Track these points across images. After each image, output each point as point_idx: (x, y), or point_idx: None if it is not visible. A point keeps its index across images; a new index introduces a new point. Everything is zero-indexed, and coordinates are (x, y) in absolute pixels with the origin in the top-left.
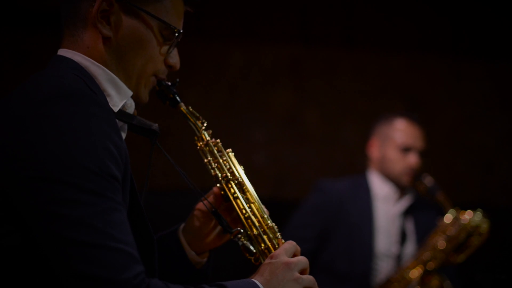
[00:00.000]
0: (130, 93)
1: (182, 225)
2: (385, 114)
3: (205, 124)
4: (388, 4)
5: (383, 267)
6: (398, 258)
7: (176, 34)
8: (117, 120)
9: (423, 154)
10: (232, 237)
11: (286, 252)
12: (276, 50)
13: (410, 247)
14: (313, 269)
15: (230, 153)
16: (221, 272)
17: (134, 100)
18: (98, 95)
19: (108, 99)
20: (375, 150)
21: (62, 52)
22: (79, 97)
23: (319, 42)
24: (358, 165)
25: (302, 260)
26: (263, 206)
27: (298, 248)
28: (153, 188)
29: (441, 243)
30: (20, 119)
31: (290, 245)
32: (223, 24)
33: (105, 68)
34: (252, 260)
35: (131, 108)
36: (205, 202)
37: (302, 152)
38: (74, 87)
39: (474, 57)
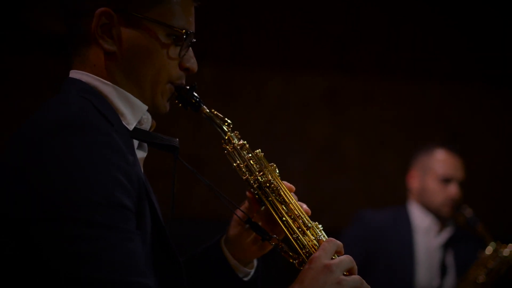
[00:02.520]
0: (145, 107)
1: (225, 236)
2: (425, 145)
3: (231, 126)
4: (426, 33)
5: None
6: None
7: (185, 36)
8: (134, 140)
9: (463, 185)
10: (272, 244)
11: (326, 254)
12: (313, 78)
13: (450, 280)
14: None
15: (259, 154)
16: (272, 280)
17: (154, 112)
18: (108, 117)
19: (121, 118)
20: (415, 181)
21: (72, 74)
22: (81, 127)
23: (356, 70)
24: (396, 195)
25: (345, 259)
26: (301, 207)
27: (340, 244)
28: (194, 216)
29: (481, 276)
30: (23, 156)
31: (330, 244)
32: (261, 52)
33: (114, 86)
34: (296, 265)
35: (147, 123)
36: (238, 212)
37: (340, 182)
38: (77, 116)
39: None
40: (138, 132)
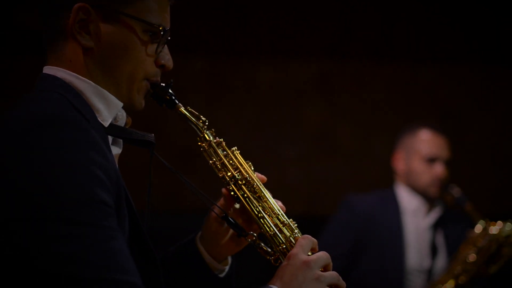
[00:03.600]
0: (120, 104)
1: (200, 233)
2: (408, 126)
3: (206, 124)
4: (416, 16)
5: (415, 283)
6: (430, 272)
7: (162, 32)
8: (109, 136)
9: (453, 164)
10: (248, 240)
11: (303, 250)
12: (304, 65)
13: (441, 261)
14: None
15: (235, 151)
16: (246, 277)
17: (129, 108)
18: (84, 113)
19: (97, 114)
20: (400, 163)
21: (47, 69)
22: (59, 123)
23: (347, 55)
24: (391, 178)
25: (322, 256)
26: (276, 204)
27: (315, 241)
28: (187, 209)
29: (471, 255)
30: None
31: (306, 240)
32: (251, 41)
33: (90, 82)
34: (272, 262)
35: (122, 119)
36: (214, 208)
37: (334, 167)
38: (54, 113)
39: (505, 66)
40: (113, 128)
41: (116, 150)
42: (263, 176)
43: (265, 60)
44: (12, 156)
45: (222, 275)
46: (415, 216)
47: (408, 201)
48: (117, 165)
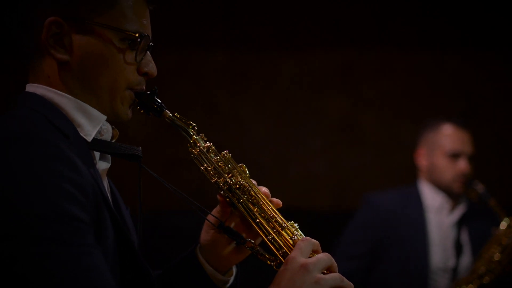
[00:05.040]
0: (104, 117)
1: (199, 244)
2: (430, 121)
3: (196, 129)
4: (440, 3)
5: (439, 282)
6: (454, 271)
7: (139, 40)
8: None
9: (477, 157)
10: (247, 247)
11: (302, 253)
12: (327, 56)
13: (466, 259)
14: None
15: (227, 155)
16: (250, 282)
17: (115, 120)
18: (63, 129)
19: (78, 129)
20: (423, 159)
21: (28, 87)
22: (26, 140)
23: (371, 45)
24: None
25: (323, 257)
26: (273, 206)
27: (316, 243)
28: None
29: (496, 254)
30: None
31: (305, 243)
32: (271, 34)
33: (69, 96)
34: (274, 267)
35: (108, 133)
36: (209, 217)
37: (361, 157)
38: (23, 130)
39: None
40: (97, 143)
41: (104, 165)
42: (265, 189)
43: (287, 51)
44: None
45: (226, 287)
46: (439, 214)
47: (431, 198)
48: (104, 180)
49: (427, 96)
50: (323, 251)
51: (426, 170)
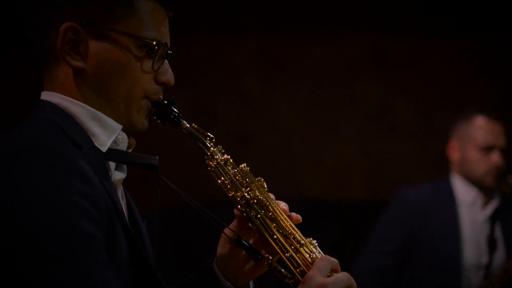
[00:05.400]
0: (119, 126)
1: (216, 258)
2: (463, 113)
3: (213, 140)
4: None
5: (472, 280)
6: (488, 268)
7: (156, 47)
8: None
9: (509, 151)
10: (264, 263)
11: (321, 272)
12: (360, 41)
13: (499, 256)
14: (398, 285)
15: (245, 168)
16: None
17: (131, 130)
18: (76, 139)
19: (93, 139)
20: (455, 152)
21: (43, 95)
22: (39, 152)
23: (405, 29)
24: None
25: (342, 277)
26: (291, 222)
27: (336, 261)
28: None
29: None
30: None
31: (324, 261)
32: (303, 19)
33: (84, 105)
34: (291, 285)
35: (124, 142)
36: (226, 231)
37: (395, 145)
38: (36, 141)
39: None
40: (112, 153)
41: (119, 175)
42: (284, 205)
43: (320, 37)
44: None
45: None
46: (471, 209)
47: (464, 192)
48: (120, 190)
49: (463, 83)
50: (355, 244)
51: (458, 163)
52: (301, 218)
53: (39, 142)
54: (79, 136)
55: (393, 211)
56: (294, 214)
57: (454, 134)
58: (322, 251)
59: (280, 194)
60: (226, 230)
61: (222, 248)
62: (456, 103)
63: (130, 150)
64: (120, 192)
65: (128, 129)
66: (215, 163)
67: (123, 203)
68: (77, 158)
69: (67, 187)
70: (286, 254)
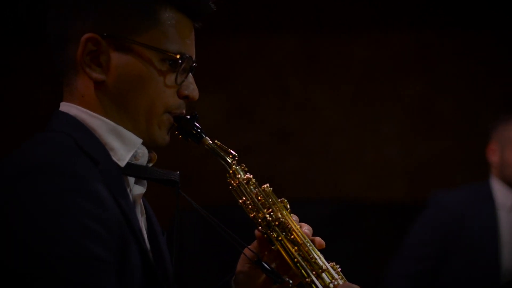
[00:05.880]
0: (139, 141)
1: (234, 276)
2: (503, 115)
3: (236, 158)
4: None
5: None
6: None
7: (180, 61)
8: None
9: None
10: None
11: None
12: (402, 37)
13: None
14: None
15: (268, 189)
16: None
17: (151, 145)
18: (93, 154)
19: (111, 153)
20: (495, 155)
21: (62, 106)
22: (49, 172)
23: (448, 25)
24: None
25: None
26: (314, 246)
27: None
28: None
29: None
30: None
31: None
32: (344, 16)
33: (103, 118)
34: None
35: (144, 156)
36: (247, 252)
37: (437, 144)
38: (47, 159)
39: None
40: (131, 168)
41: (139, 190)
42: (307, 228)
43: (361, 33)
44: None
45: None
46: (510, 213)
47: (503, 196)
48: (136, 206)
49: (508, 80)
50: (394, 246)
51: (497, 166)
52: (324, 243)
53: (50, 162)
54: (97, 151)
55: (429, 215)
56: (317, 239)
57: (493, 136)
58: (360, 252)
59: (319, 193)
60: (246, 251)
61: (241, 267)
62: (500, 101)
63: (151, 165)
64: (140, 207)
65: (149, 144)
66: (237, 182)
67: (142, 218)
68: (90, 178)
69: (75, 208)
70: (307, 280)
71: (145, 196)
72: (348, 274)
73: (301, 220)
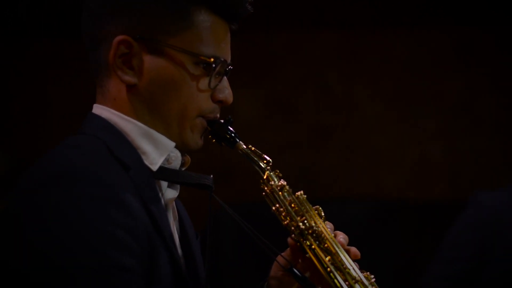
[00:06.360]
0: (172, 144)
1: (267, 282)
2: None
3: (270, 164)
4: None
5: None
6: None
7: (214, 65)
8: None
9: None
10: None
11: None
12: (444, 33)
13: None
14: None
15: (301, 196)
16: None
17: (183, 148)
18: (124, 159)
19: (143, 157)
20: None
21: (94, 108)
22: (76, 179)
23: (490, 21)
24: None
25: None
26: (348, 256)
27: None
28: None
29: None
30: (12, 211)
31: None
32: (384, 11)
33: (136, 122)
34: None
35: (177, 160)
36: (279, 259)
37: (479, 142)
38: (76, 166)
39: None
40: (163, 172)
41: (172, 194)
42: (342, 237)
43: (402, 29)
44: (21, 214)
45: None
46: None
47: None
48: (169, 210)
49: None
50: (435, 246)
51: None
52: (359, 253)
53: (78, 168)
54: (128, 156)
55: (469, 215)
56: (353, 249)
57: None
58: (400, 253)
59: (358, 192)
60: (279, 258)
61: (274, 273)
62: None
63: (184, 168)
64: (172, 211)
65: (181, 147)
66: (270, 189)
67: (174, 222)
68: (118, 186)
69: (101, 216)
70: None
71: (180, 197)
72: (388, 275)
73: (339, 218)
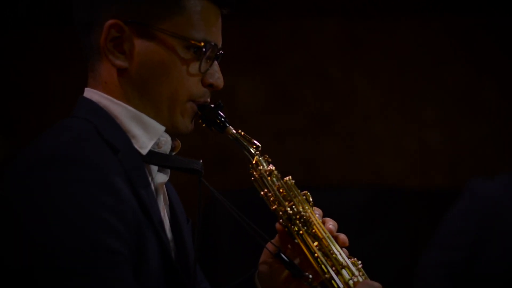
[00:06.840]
0: (162, 128)
1: (258, 270)
2: None
3: (259, 149)
4: None
5: None
6: None
7: (204, 49)
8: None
9: None
10: (304, 282)
11: None
12: (445, 23)
13: None
14: (466, 280)
15: (290, 181)
16: None
17: (174, 132)
18: (114, 142)
19: (133, 141)
20: None
21: (86, 92)
22: (66, 162)
23: (491, 10)
24: None
25: None
26: (335, 243)
27: (378, 286)
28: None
29: None
30: (2, 195)
31: (365, 286)
32: (385, 1)
33: (126, 105)
34: None
35: (167, 144)
36: (268, 245)
37: (480, 130)
38: (65, 149)
39: None
40: (153, 156)
41: (162, 178)
42: (331, 224)
43: (402, 18)
44: (10, 198)
45: None
46: None
47: None
48: (159, 194)
49: None
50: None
51: None
52: (347, 241)
53: (68, 152)
54: (117, 139)
55: (463, 204)
56: (341, 235)
57: None
58: (398, 240)
59: (358, 179)
60: (268, 244)
61: (263, 260)
62: None
63: (174, 153)
64: (162, 196)
65: (172, 131)
66: (258, 173)
67: (164, 207)
68: (107, 168)
69: (91, 200)
70: (326, 276)
71: (174, 182)
72: (387, 262)
73: (339, 205)
